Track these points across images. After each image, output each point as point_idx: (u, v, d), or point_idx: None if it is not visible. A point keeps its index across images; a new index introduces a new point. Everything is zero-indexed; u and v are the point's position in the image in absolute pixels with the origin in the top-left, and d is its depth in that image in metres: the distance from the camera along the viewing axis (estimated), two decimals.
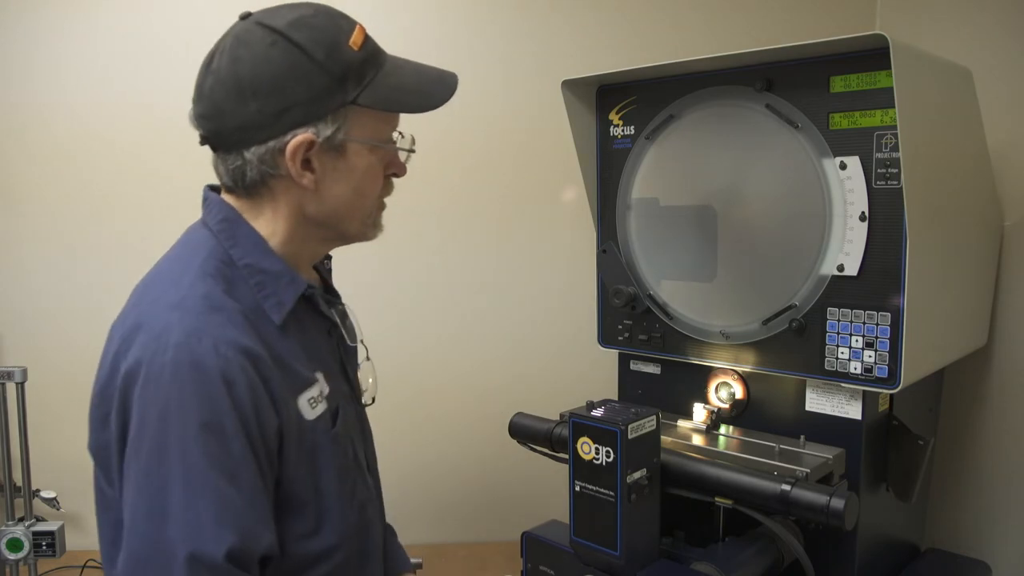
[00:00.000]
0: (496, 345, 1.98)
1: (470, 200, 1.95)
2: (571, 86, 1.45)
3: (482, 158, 1.94)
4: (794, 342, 1.27)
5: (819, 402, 1.28)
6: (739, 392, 1.38)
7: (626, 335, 1.50)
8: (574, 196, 1.87)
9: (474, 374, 1.98)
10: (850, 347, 1.21)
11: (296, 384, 0.90)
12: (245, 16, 0.90)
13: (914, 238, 1.12)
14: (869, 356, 1.19)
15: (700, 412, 1.38)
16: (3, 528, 1.62)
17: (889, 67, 1.05)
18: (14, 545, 1.60)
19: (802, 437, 1.26)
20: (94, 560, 1.80)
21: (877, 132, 1.15)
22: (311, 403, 0.91)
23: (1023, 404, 1.49)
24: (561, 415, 1.33)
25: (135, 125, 1.85)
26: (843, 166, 1.19)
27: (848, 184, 1.18)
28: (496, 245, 1.97)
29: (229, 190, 0.94)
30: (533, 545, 1.30)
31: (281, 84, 0.86)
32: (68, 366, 1.82)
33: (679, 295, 1.41)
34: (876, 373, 1.19)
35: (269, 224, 0.93)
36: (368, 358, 1.09)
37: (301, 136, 0.87)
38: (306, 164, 0.89)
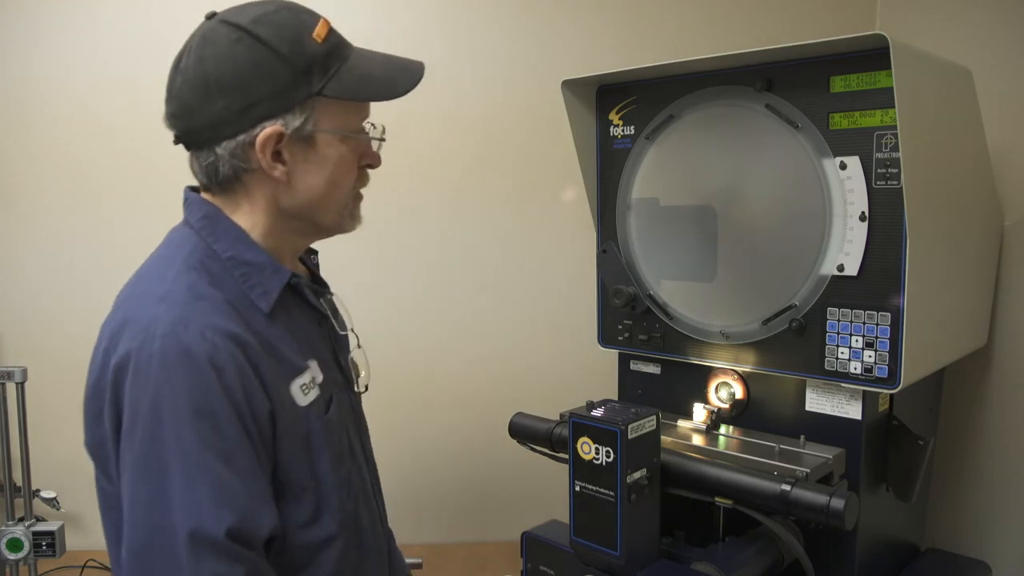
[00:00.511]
0: (496, 345, 1.98)
1: (470, 200, 1.95)
2: (571, 86, 1.45)
3: (482, 158, 1.94)
4: (794, 342, 1.27)
5: (819, 402, 1.28)
6: (739, 392, 1.38)
7: (626, 335, 1.50)
8: (574, 196, 1.87)
9: (474, 374, 1.98)
10: (850, 347, 1.21)
11: (287, 370, 0.91)
12: (211, 16, 0.92)
13: (914, 238, 1.12)
14: (869, 356, 1.19)
15: (700, 412, 1.38)
16: (3, 528, 1.62)
17: (889, 67, 1.05)
18: (14, 545, 1.60)
19: (802, 437, 1.26)
20: (94, 560, 1.80)
21: (877, 132, 1.15)
22: (303, 389, 0.92)
23: (1023, 404, 1.49)
24: (561, 415, 1.33)
25: (137, 124, 1.85)
26: (843, 166, 1.19)
27: (848, 184, 1.18)
28: (496, 245, 1.97)
29: (206, 188, 0.96)
30: (533, 545, 1.30)
31: (247, 79, 0.87)
32: (68, 366, 1.82)
33: (679, 295, 1.41)
34: (876, 373, 1.19)
35: (247, 218, 0.94)
36: (359, 346, 1.09)
37: (270, 129, 0.88)
38: (277, 156, 0.90)
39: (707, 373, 1.41)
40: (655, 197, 1.43)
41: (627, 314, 1.48)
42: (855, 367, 1.21)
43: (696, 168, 1.36)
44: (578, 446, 1.14)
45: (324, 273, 1.11)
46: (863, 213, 1.17)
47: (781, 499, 1.09)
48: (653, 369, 1.51)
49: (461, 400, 1.98)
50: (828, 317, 1.23)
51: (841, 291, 1.22)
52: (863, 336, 1.19)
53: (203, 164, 0.92)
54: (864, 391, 1.22)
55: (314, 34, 0.90)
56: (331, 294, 1.06)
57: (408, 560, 1.23)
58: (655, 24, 1.93)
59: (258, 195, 0.93)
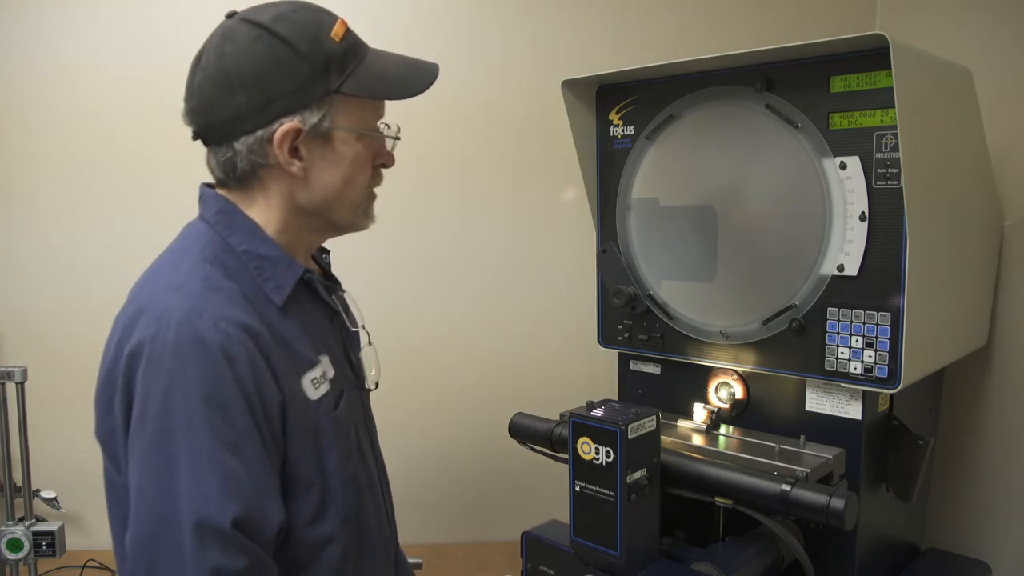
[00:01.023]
0: (496, 345, 1.98)
1: (470, 200, 1.95)
2: (571, 86, 1.45)
3: (482, 158, 1.94)
4: (794, 342, 1.27)
5: (819, 402, 1.28)
6: (739, 392, 1.38)
7: (626, 335, 1.50)
8: (574, 196, 1.87)
9: (474, 374, 1.98)
10: (850, 347, 1.21)
11: (298, 364, 0.91)
12: (231, 15, 0.94)
13: (914, 238, 1.12)
14: (869, 356, 1.19)
15: (700, 412, 1.38)
16: (3, 528, 1.62)
17: (889, 67, 1.05)
18: (14, 545, 1.60)
19: (802, 437, 1.26)
20: (94, 560, 1.80)
21: (877, 132, 1.15)
22: (314, 383, 0.93)
23: (1023, 404, 1.49)
24: (561, 415, 1.33)
25: (137, 124, 1.85)
26: (843, 166, 1.18)
27: (848, 184, 1.18)
28: (495, 245, 1.97)
29: (222, 184, 0.97)
30: (533, 545, 1.30)
31: (266, 76, 0.89)
32: (68, 366, 1.82)
33: (679, 295, 1.41)
34: (876, 373, 1.19)
35: (263, 214, 0.95)
36: (370, 343, 1.10)
37: (288, 125, 0.89)
38: (294, 152, 0.92)
39: (707, 373, 1.41)
40: (655, 197, 1.43)
41: (627, 314, 1.48)
42: (855, 367, 1.21)
43: (696, 168, 1.36)
44: (578, 446, 1.14)
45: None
46: (863, 213, 1.17)
47: (781, 499, 1.09)
48: (653, 369, 1.51)
49: (461, 400, 1.98)
50: (828, 317, 1.23)
51: (841, 291, 1.22)
52: (863, 336, 1.19)
53: (221, 160, 0.93)
54: (864, 391, 1.22)
55: (332, 33, 0.91)
56: (343, 291, 1.07)
57: (408, 560, 1.23)
58: (655, 24, 1.93)
59: (274, 191, 0.94)
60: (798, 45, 1.17)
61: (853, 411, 1.25)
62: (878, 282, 1.18)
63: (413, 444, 1.95)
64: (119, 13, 1.84)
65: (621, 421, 1.09)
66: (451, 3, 1.92)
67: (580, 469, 1.14)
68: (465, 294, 1.97)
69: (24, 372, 1.64)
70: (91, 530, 1.89)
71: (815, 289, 1.24)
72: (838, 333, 1.22)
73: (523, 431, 1.39)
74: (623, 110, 1.45)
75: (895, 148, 1.13)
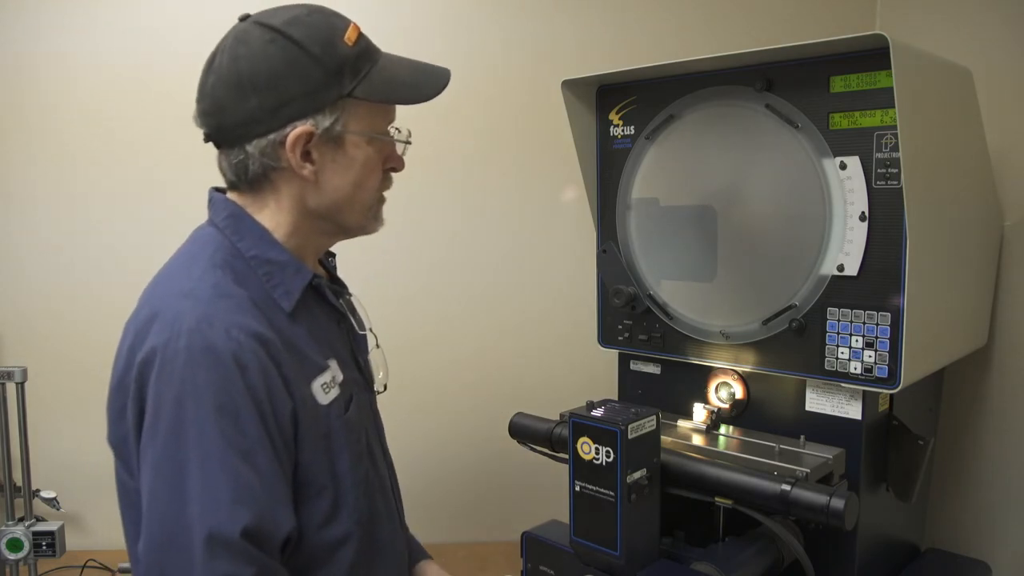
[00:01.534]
0: (496, 345, 1.98)
1: (469, 200, 1.95)
2: (571, 86, 1.45)
3: (481, 158, 1.94)
4: (794, 342, 1.27)
5: (819, 402, 1.28)
6: (739, 392, 1.38)
7: (626, 335, 1.50)
8: (574, 196, 1.87)
9: (474, 374, 1.98)
10: (850, 347, 1.21)
11: (308, 369, 0.92)
12: (244, 17, 0.94)
13: (914, 238, 1.12)
14: (869, 356, 1.19)
15: (700, 412, 1.38)
16: (3, 528, 1.62)
17: (889, 67, 1.05)
18: (14, 545, 1.60)
19: (802, 437, 1.26)
20: (94, 560, 1.80)
21: (877, 132, 1.15)
22: (324, 388, 0.93)
23: (1023, 404, 1.49)
24: (561, 415, 1.33)
25: (137, 125, 1.85)
26: (843, 166, 1.18)
27: (848, 184, 1.18)
28: (495, 245, 1.97)
29: (233, 187, 0.97)
30: (533, 545, 1.30)
31: (279, 79, 0.89)
32: (68, 366, 1.83)
33: (679, 295, 1.41)
34: (876, 373, 1.19)
35: (273, 217, 0.95)
36: (378, 346, 1.10)
37: (301, 128, 0.90)
38: (306, 156, 0.92)
39: (707, 373, 1.41)
40: (655, 197, 1.43)
41: (627, 314, 1.48)
42: (855, 367, 1.21)
43: (696, 168, 1.36)
44: (578, 446, 1.14)
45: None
46: (863, 213, 1.17)
47: (781, 499, 1.09)
48: (653, 369, 1.51)
49: (461, 400, 1.98)
50: (828, 317, 1.23)
51: (841, 291, 1.21)
52: (863, 336, 1.19)
53: (232, 162, 0.93)
54: (864, 391, 1.22)
55: (345, 37, 0.92)
56: (350, 294, 1.07)
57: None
58: (655, 24, 1.93)
59: (285, 194, 0.94)
60: (798, 45, 1.17)
61: (853, 411, 1.25)
62: (878, 282, 1.18)
63: (413, 444, 1.94)
64: (119, 12, 1.84)
65: (621, 421, 1.09)
66: (451, 3, 1.92)
67: (580, 469, 1.14)
68: (465, 294, 1.97)
69: (24, 372, 1.64)
70: (91, 530, 1.89)
71: (815, 289, 1.24)
72: (838, 333, 1.22)
73: (523, 431, 1.39)
74: (623, 110, 1.45)
75: (895, 148, 1.13)
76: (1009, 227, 1.50)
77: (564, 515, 1.22)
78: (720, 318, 1.36)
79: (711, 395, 1.42)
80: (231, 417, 0.81)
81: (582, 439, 1.13)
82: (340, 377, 0.97)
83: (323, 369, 0.94)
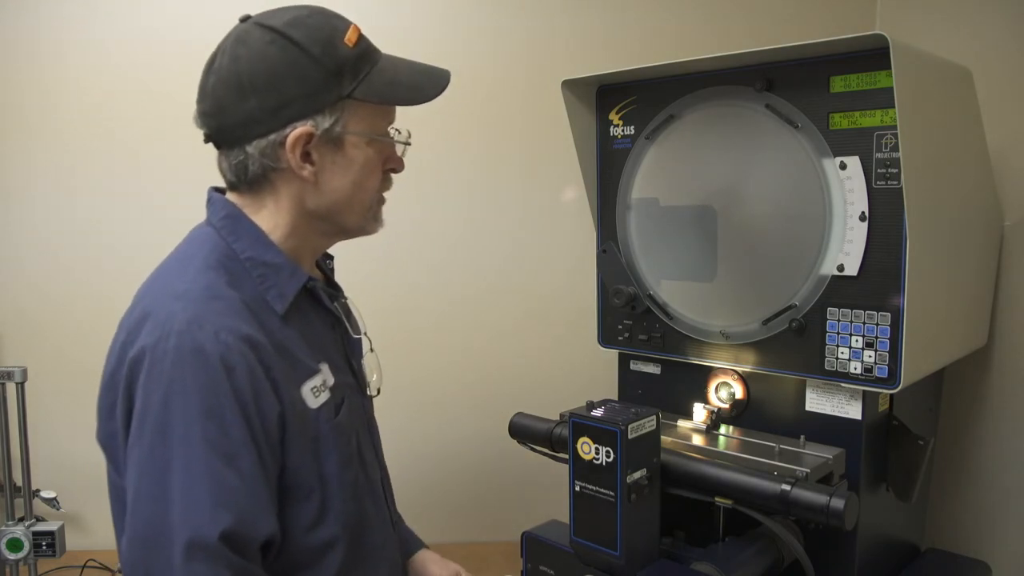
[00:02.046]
0: (496, 345, 1.98)
1: (469, 200, 1.95)
2: (571, 86, 1.45)
3: (481, 158, 1.94)
4: (794, 342, 1.27)
5: (819, 402, 1.28)
6: (739, 392, 1.38)
7: (626, 335, 1.50)
8: (574, 196, 1.87)
9: (474, 374, 1.98)
10: (850, 347, 1.21)
11: (299, 373, 0.92)
12: (245, 18, 0.94)
13: (914, 238, 1.12)
14: (869, 356, 1.19)
15: (700, 412, 1.38)
16: (3, 528, 1.62)
17: (889, 67, 1.05)
18: (14, 545, 1.60)
19: (802, 437, 1.26)
20: (94, 560, 1.80)
21: (877, 132, 1.15)
22: (314, 392, 0.93)
23: (1023, 404, 1.49)
24: (561, 415, 1.33)
25: (137, 125, 1.85)
26: (843, 166, 1.18)
27: (848, 184, 1.18)
28: (495, 245, 1.97)
29: (233, 187, 0.97)
30: (533, 545, 1.30)
31: (279, 79, 0.89)
32: (68, 366, 1.83)
33: (679, 295, 1.41)
34: (876, 373, 1.19)
35: (271, 218, 0.95)
36: (372, 350, 1.10)
37: (300, 128, 0.90)
38: (306, 156, 0.92)
39: (707, 373, 1.41)
40: (655, 197, 1.43)
41: (627, 314, 1.48)
42: (855, 367, 1.21)
43: (696, 168, 1.36)
44: (578, 446, 1.14)
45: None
46: (863, 213, 1.17)
47: (781, 499, 1.09)
48: (653, 369, 1.51)
49: (460, 400, 1.98)
50: (828, 317, 1.23)
51: (841, 291, 1.21)
52: (863, 336, 1.19)
53: (232, 163, 0.93)
54: (864, 391, 1.22)
55: (345, 38, 0.92)
56: (345, 298, 1.07)
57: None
58: (655, 24, 1.93)
59: (284, 195, 0.95)
60: (798, 45, 1.17)
61: (853, 411, 1.25)
62: (878, 282, 1.18)
63: (413, 444, 1.95)
64: (120, 12, 1.84)
65: (621, 421, 1.09)
66: (450, 3, 1.92)
67: (580, 469, 1.14)
68: (465, 294, 1.97)
69: (24, 372, 1.63)
70: (91, 530, 1.89)
71: (815, 289, 1.24)
72: (838, 333, 1.22)
73: (523, 431, 1.39)
74: (623, 110, 1.45)
75: (895, 148, 1.13)
76: (1009, 227, 1.50)
77: (564, 515, 1.22)
78: (720, 318, 1.36)
79: (711, 395, 1.42)
80: (216, 419, 0.81)
81: (582, 439, 1.13)
82: (331, 381, 0.97)
83: (314, 373, 0.94)
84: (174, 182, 1.81)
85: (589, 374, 1.79)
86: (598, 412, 1.14)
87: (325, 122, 0.91)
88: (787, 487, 1.08)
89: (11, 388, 1.64)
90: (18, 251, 1.88)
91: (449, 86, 1.00)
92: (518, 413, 1.41)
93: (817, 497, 1.06)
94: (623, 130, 1.46)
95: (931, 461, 1.41)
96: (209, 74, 0.92)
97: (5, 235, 1.87)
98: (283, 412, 0.87)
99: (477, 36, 1.92)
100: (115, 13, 1.84)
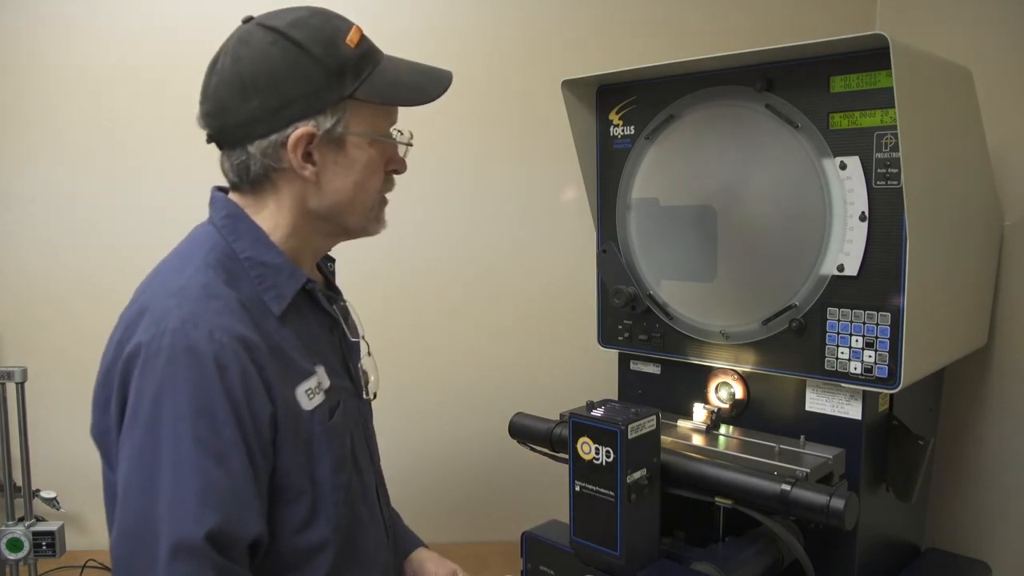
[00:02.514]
0: (496, 345, 1.98)
1: (468, 199, 1.95)
2: (571, 86, 1.45)
3: (480, 158, 1.94)
4: (794, 342, 1.27)
5: (819, 402, 1.28)
6: (739, 392, 1.38)
7: (626, 335, 1.50)
8: (574, 196, 1.87)
9: (474, 374, 1.98)
10: (850, 347, 1.21)
11: (293, 374, 0.92)
12: (247, 19, 0.94)
13: (914, 238, 1.12)
14: (869, 356, 1.19)
15: (700, 412, 1.38)
16: (3, 528, 1.62)
17: (889, 67, 1.05)
18: (14, 545, 1.60)
19: (802, 437, 1.26)
20: (94, 560, 1.80)
21: (877, 132, 1.15)
22: (308, 394, 0.93)
23: (1023, 404, 1.49)
24: (561, 415, 1.33)
25: (136, 124, 1.85)
26: (843, 166, 1.18)
27: (848, 184, 1.18)
28: (495, 245, 1.97)
29: (235, 187, 0.97)
30: (533, 545, 1.30)
31: (281, 80, 0.89)
32: (67, 366, 1.82)
33: (679, 295, 1.41)
34: (876, 373, 1.19)
35: (273, 218, 0.96)
36: (369, 354, 1.10)
37: (302, 129, 0.90)
38: (307, 157, 0.92)
39: (707, 373, 1.41)
40: (655, 197, 1.43)
41: (627, 314, 1.48)
42: (855, 367, 1.21)
43: (696, 168, 1.36)
44: (578, 446, 1.14)
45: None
46: (863, 213, 1.17)
47: (781, 499, 1.09)
48: (653, 369, 1.51)
49: (460, 400, 1.98)
50: (828, 317, 1.23)
51: (841, 291, 1.21)
52: (863, 336, 1.19)
53: (234, 163, 0.94)
54: (864, 391, 1.22)
55: (347, 39, 0.92)
56: (343, 301, 1.07)
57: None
58: (655, 24, 1.93)
59: (286, 195, 0.95)
60: (798, 45, 1.17)
61: (853, 411, 1.25)
62: (878, 282, 1.18)
63: (413, 444, 1.95)
64: (121, 11, 1.84)
65: (621, 421, 1.09)
66: (450, 3, 1.92)
67: (580, 469, 1.14)
68: (465, 294, 1.97)
69: (24, 372, 1.64)
70: (91, 530, 1.89)
71: (815, 289, 1.24)
72: (838, 333, 1.22)
73: (523, 431, 1.39)
74: (623, 110, 1.45)
75: (895, 148, 1.13)
76: (1009, 227, 1.50)
77: (564, 515, 1.22)
78: (720, 318, 1.36)
79: (711, 395, 1.42)
80: (208, 418, 0.82)
81: (582, 439, 1.13)
82: (326, 383, 0.96)
83: (309, 375, 0.94)
84: (174, 182, 1.81)
85: (589, 374, 1.79)
86: (598, 412, 1.14)
87: (327, 122, 0.91)
88: (787, 487, 1.08)
89: (11, 388, 1.64)
90: (18, 251, 1.88)
91: (449, 86, 1.00)
92: (518, 413, 1.41)
93: (817, 497, 1.06)
94: (623, 130, 1.46)
95: (931, 461, 1.41)
96: (212, 75, 0.93)
97: (5, 235, 1.87)
98: (275, 413, 0.87)
99: (477, 36, 1.92)
100: (116, 12, 1.84)
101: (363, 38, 0.94)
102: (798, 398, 1.31)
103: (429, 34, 1.90)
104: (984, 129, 1.36)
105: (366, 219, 1.00)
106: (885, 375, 1.18)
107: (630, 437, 1.09)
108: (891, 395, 1.28)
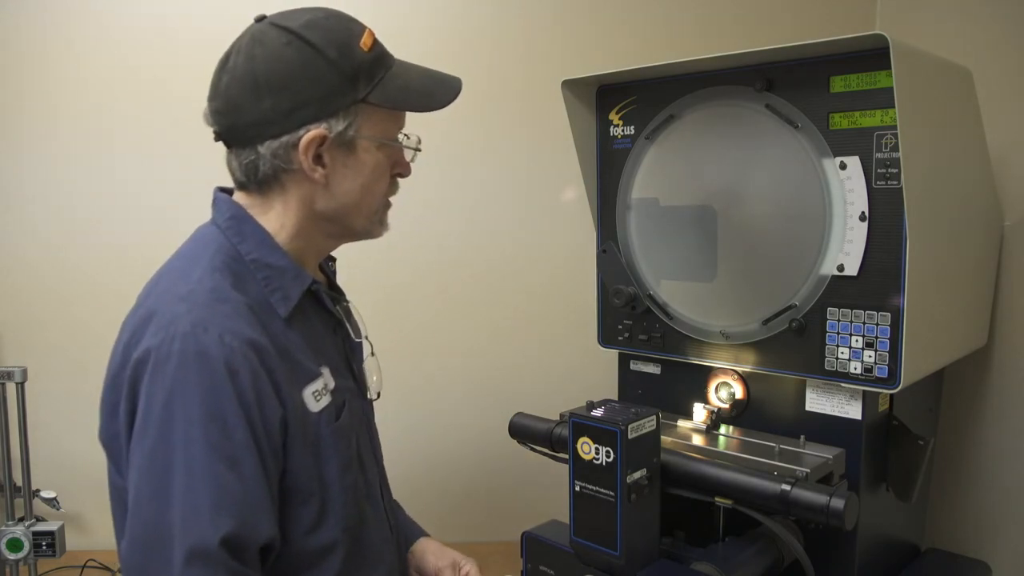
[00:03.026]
0: (496, 345, 1.98)
1: (468, 199, 1.95)
2: (571, 86, 1.45)
3: (480, 158, 1.94)
4: (794, 342, 1.27)
5: (819, 402, 1.28)
6: (739, 392, 1.38)
7: (626, 335, 1.50)
8: (574, 196, 1.87)
9: (473, 374, 1.98)
10: (850, 347, 1.21)
11: (301, 376, 0.92)
12: (260, 18, 0.94)
13: (914, 238, 1.12)
14: (869, 356, 1.19)
15: (700, 412, 1.38)
16: (3, 528, 1.62)
17: (889, 67, 1.05)
18: (14, 545, 1.60)
19: (802, 437, 1.26)
20: (94, 560, 1.80)
21: (877, 132, 1.15)
22: (315, 396, 0.93)
23: (1023, 404, 1.49)
24: (561, 415, 1.33)
25: (136, 124, 1.85)
26: (843, 166, 1.18)
27: (848, 184, 1.18)
28: (495, 245, 1.97)
29: (241, 186, 0.97)
30: (533, 545, 1.30)
31: (295, 81, 0.89)
32: (68, 366, 1.83)
33: (679, 295, 1.41)
34: (876, 373, 1.19)
35: (278, 219, 0.95)
36: (373, 354, 1.10)
37: (314, 131, 0.90)
38: (317, 159, 0.92)
39: (707, 373, 1.41)
40: (655, 197, 1.43)
41: (627, 314, 1.48)
42: (855, 367, 1.21)
43: (696, 168, 1.36)
44: (578, 446, 1.14)
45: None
46: (863, 213, 1.17)
47: (781, 499, 1.09)
48: (653, 369, 1.51)
49: (460, 400, 1.98)
50: (828, 317, 1.23)
51: (841, 291, 1.21)
52: (863, 336, 1.19)
53: (243, 162, 0.93)
54: (864, 391, 1.22)
55: (361, 42, 0.92)
56: (347, 301, 1.07)
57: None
58: (655, 24, 1.93)
59: (293, 195, 0.95)
60: (798, 45, 1.16)
61: (853, 411, 1.25)
62: (878, 282, 1.18)
63: (413, 444, 1.95)
64: (122, 10, 1.84)
65: (621, 421, 1.09)
66: (450, 3, 1.92)
67: (580, 469, 1.14)
68: (465, 294, 1.97)
69: (24, 372, 1.63)
70: (91, 530, 1.89)
71: (815, 289, 1.24)
72: (838, 333, 1.22)
73: (523, 431, 1.39)
74: (623, 110, 1.45)
75: (895, 148, 1.13)
76: (1009, 227, 1.50)
77: (564, 515, 1.22)
78: (720, 318, 1.36)
79: (711, 395, 1.42)
80: (219, 422, 0.81)
81: (582, 439, 1.13)
82: (332, 384, 0.97)
83: (315, 376, 0.94)
84: (174, 182, 1.82)
85: (589, 374, 1.79)
86: (598, 412, 1.14)
87: (338, 125, 0.91)
88: (787, 487, 1.08)
89: (11, 388, 1.64)
90: (18, 250, 1.88)
91: (459, 93, 1.00)
92: (518, 413, 1.41)
93: (817, 497, 1.06)
94: (623, 130, 1.46)
95: (931, 461, 1.41)
96: (223, 73, 0.92)
97: (5, 235, 1.87)
98: (285, 416, 0.87)
99: (476, 36, 1.92)
100: (117, 11, 1.84)
101: (376, 42, 0.95)
102: (798, 398, 1.31)
103: (429, 34, 1.90)
104: (984, 129, 1.36)
105: (370, 222, 1.00)
106: (885, 375, 1.18)
107: (630, 437, 1.09)
108: (891, 395, 1.28)
